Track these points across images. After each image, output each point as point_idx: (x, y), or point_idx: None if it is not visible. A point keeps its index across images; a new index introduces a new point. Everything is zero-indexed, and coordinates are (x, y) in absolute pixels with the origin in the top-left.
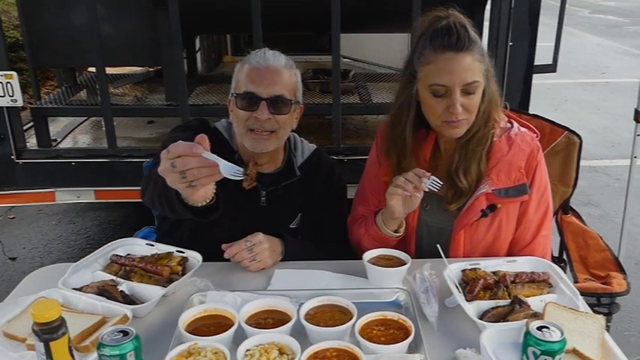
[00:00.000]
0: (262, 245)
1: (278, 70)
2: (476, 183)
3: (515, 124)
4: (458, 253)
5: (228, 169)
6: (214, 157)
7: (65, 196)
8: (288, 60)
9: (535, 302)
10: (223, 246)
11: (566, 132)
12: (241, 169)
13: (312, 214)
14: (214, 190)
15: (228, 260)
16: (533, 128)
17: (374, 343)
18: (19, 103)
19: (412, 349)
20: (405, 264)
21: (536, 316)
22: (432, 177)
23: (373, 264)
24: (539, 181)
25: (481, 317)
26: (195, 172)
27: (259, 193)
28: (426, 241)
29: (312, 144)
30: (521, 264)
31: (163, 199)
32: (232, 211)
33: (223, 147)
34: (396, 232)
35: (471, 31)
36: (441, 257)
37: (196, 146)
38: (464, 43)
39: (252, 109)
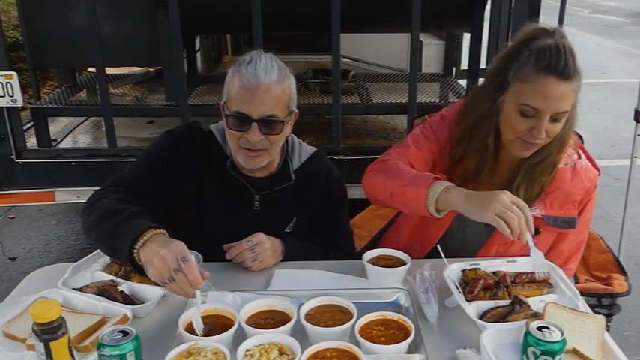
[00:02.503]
0: (264, 245)
1: (269, 88)
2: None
3: (583, 156)
4: None
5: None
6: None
7: (65, 196)
8: (281, 70)
9: (535, 302)
10: (224, 246)
11: None
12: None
13: (309, 219)
14: None
15: (228, 260)
16: (597, 164)
17: (374, 343)
18: (19, 103)
19: (412, 349)
20: (405, 264)
21: (536, 316)
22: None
23: (373, 264)
24: (583, 218)
25: (481, 317)
26: (180, 287)
27: (253, 197)
28: (457, 239)
29: (312, 147)
30: (522, 264)
31: (109, 243)
32: (225, 215)
33: (215, 152)
34: (438, 212)
35: (577, 59)
36: (441, 257)
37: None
38: (569, 72)
39: (243, 129)
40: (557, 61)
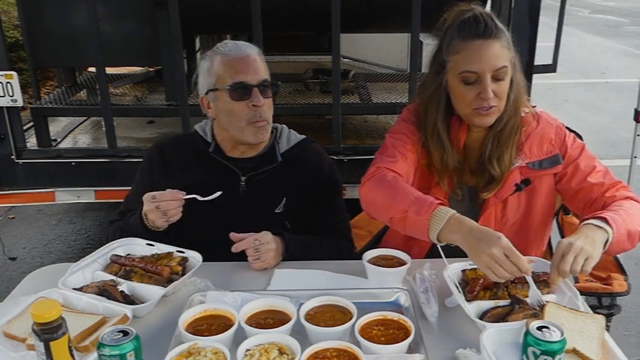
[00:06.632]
0: (269, 246)
1: (255, 58)
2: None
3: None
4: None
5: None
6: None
7: (65, 196)
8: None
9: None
10: (231, 235)
11: None
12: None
13: (300, 201)
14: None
15: (228, 260)
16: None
17: (374, 343)
18: (19, 103)
19: (412, 349)
20: (404, 264)
21: (536, 315)
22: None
23: (373, 264)
24: (571, 146)
25: (481, 317)
26: (174, 211)
27: (239, 178)
28: None
29: (303, 135)
30: None
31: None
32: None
33: (199, 144)
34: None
35: (496, 19)
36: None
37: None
38: (492, 30)
39: (245, 97)
40: (476, 25)
